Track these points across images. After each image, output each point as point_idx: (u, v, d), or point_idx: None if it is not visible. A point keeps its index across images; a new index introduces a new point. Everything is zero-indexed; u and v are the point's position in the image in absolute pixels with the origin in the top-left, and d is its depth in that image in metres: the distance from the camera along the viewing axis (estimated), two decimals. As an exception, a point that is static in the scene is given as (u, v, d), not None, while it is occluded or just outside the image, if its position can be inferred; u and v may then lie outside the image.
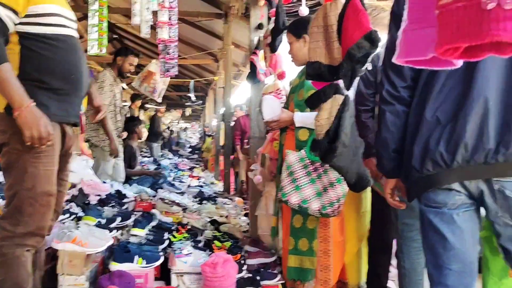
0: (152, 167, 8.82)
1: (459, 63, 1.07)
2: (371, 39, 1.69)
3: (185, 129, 21.54)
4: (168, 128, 18.20)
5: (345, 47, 1.76)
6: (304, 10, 2.84)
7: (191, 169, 10.64)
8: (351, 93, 2.54)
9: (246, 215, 4.82)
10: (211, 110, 13.50)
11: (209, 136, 11.27)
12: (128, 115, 8.08)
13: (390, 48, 1.75)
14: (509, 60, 1.53)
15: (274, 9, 3.55)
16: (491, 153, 1.55)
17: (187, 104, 13.34)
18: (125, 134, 5.61)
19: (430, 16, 1.08)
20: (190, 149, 16.99)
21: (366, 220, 2.94)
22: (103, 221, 3.39)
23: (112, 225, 3.41)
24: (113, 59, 4.89)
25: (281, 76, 3.65)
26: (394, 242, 2.90)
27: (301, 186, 2.62)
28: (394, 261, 2.88)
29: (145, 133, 10.84)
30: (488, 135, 1.54)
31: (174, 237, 3.49)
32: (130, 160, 6.55)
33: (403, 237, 2.61)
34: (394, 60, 1.18)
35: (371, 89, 2.71)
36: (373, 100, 2.72)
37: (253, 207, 3.84)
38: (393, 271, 3.04)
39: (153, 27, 4.54)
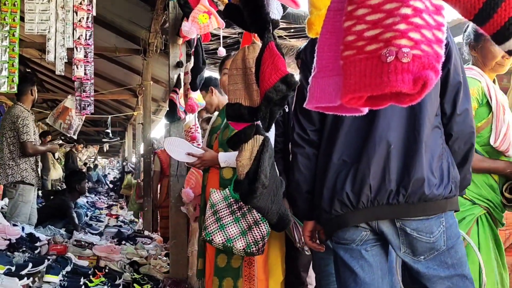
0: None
1: (366, 109, 1.14)
2: (288, 82, 1.74)
3: (95, 167, 20.23)
4: (85, 164, 17.53)
5: (263, 90, 1.80)
6: (222, 51, 2.90)
7: (109, 207, 10.30)
8: (271, 134, 2.61)
9: (166, 255, 4.72)
10: (131, 146, 13.22)
11: (128, 172, 11.00)
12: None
13: (300, 94, 1.84)
14: (408, 106, 1.65)
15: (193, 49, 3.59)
16: (393, 194, 1.63)
17: (104, 140, 12.97)
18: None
19: (338, 64, 1.15)
20: (109, 185, 16.42)
21: (284, 256, 2.97)
22: (13, 268, 3.18)
23: (23, 272, 3.20)
24: (23, 91, 4.70)
25: (191, 109, 3.65)
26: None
27: (225, 225, 2.60)
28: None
29: (59, 171, 10.38)
30: (389, 177, 1.63)
31: (91, 281, 3.34)
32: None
33: (320, 272, 2.66)
34: (305, 105, 1.23)
35: (279, 129, 2.78)
36: (282, 140, 2.78)
37: (174, 247, 3.77)
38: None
39: (69, 62, 4.45)
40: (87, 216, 7.76)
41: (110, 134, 11.45)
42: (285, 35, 4.71)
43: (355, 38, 0.99)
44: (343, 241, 1.76)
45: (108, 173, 21.25)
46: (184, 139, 3.08)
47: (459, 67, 1.73)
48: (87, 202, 10.14)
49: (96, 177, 17.68)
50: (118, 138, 13.83)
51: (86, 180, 7.40)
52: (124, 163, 13.15)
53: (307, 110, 1.36)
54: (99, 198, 12.45)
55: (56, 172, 10.24)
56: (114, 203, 11.36)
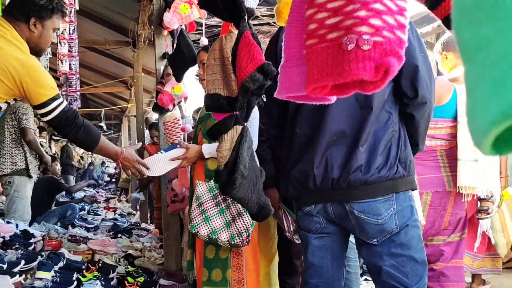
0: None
1: (334, 98, 1.12)
2: (264, 71, 1.72)
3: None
4: (82, 158, 17.50)
5: (239, 80, 1.78)
6: (204, 41, 2.88)
7: (107, 200, 10.30)
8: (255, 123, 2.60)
9: (162, 247, 4.72)
10: (127, 138, 13.18)
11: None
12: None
13: None
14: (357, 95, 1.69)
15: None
16: (335, 181, 1.73)
17: (99, 133, 12.97)
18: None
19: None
20: (108, 178, 16.41)
21: (274, 245, 2.98)
22: (5, 266, 3.17)
23: (15, 270, 3.19)
24: None
25: (161, 103, 3.65)
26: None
27: (210, 217, 2.60)
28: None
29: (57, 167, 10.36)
30: (332, 166, 1.73)
31: (84, 276, 3.34)
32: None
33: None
34: (275, 95, 1.22)
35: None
36: None
37: (167, 238, 3.77)
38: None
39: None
40: (84, 210, 7.74)
41: (104, 128, 11.43)
42: (273, 22, 4.67)
43: (317, 27, 0.97)
44: (304, 228, 1.93)
45: (107, 166, 21.23)
46: (159, 154, 3.02)
47: (415, 51, 1.73)
48: (84, 196, 10.12)
49: (101, 172, 17.58)
50: (112, 131, 13.81)
51: (57, 161, 7.44)
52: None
53: None
54: (97, 192, 12.45)
55: (56, 168, 10.23)
56: (112, 196, 11.36)
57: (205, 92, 2.91)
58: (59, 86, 5.35)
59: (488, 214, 3.14)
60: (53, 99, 2.22)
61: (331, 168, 1.73)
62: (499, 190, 3.23)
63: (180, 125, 3.81)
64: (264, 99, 2.69)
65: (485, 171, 2.84)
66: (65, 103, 2.31)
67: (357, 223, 1.75)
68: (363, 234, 1.77)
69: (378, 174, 1.69)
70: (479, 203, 3.09)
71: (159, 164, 2.83)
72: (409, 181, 1.78)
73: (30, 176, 4.76)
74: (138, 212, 7.99)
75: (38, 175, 5.73)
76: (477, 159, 2.79)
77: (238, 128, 1.93)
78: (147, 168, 2.71)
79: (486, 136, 0.38)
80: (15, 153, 4.69)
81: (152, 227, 6.36)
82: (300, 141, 1.84)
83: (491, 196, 3.01)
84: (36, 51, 2.36)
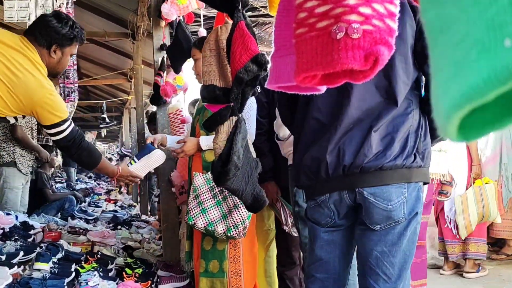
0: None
1: (324, 88, 1.11)
2: (259, 62, 1.72)
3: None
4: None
5: (234, 70, 1.78)
6: (202, 32, 2.87)
7: (108, 192, 10.30)
8: (252, 114, 2.59)
9: (161, 238, 4.73)
10: (127, 130, 13.15)
11: (126, 156, 10.96)
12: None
13: None
14: (380, 82, 1.65)
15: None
16: (347, 168, 1.68)
17: (101, 126, 12.95)
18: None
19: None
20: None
21: (270, 237, 2.99)
22: (3, 257, 3.17)
23: (14, 261, 3.20)
24: None
25: (164, 93, 3.65)
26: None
27: (207, 209, 2.60)
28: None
29: (58, 158, 10.37)
30: (344, 153, 1.68)
31: (83, 267, 3.34)
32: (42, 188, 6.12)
33: (306, 251, 2.67)
34: (266, 85, 1.21)
35: (264, 111, 2.74)
36: (267, 121, 2.74)
37: (165, 230, 3.77)
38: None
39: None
40: (85, 201, 7.74)
41: (107, 119, 11.40)
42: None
43: (307, 15, 0.96)
44: (313, 220, 1.87)
45: (110, 159, 21.21)
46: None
47: None
48: (81, 188, 10.13)
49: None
50: (115, 123, 13.76)
51: (55, 152, 7.49)
52: (123, 148, 13.10)
53: None
54: (98, 184, 12.45)
55: (56, 159, 10.23)
56: (113, 188, 11.36)
57: (201, 83, 2.92)
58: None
59: (447, 197, 3.56)
60: (64, 121, 2.36)
61: (343, 155, 1.68)
62: (465, 176, 3.81)
63: (182, 116, 3.80)
64: (259, 90, 2.70)
65: (448, 160, 3.24)
66: (73, 125, 2.44)
67: (364, 206, 1.70)
68: (368, 218, 1.71)
69: (394, 160, 1.64)
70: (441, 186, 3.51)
71: (142, 170, 2.92)
72: (423, 173, 1.73)
73: (19, 170, 4.76)
74: (139, 204, 8.00)
75: (35, 168, 5.72)
76: (441, 149, 3.14)
77: (235, 119, 1.93)
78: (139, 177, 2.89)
79: (449, 121, 0.37)
80: (4, 146, 4.70)
81: (152, 219, 6.37)
82: (313, 127, 1.78)
83: (451, 181, 3.45)
84: (53, 74, 2.50)
